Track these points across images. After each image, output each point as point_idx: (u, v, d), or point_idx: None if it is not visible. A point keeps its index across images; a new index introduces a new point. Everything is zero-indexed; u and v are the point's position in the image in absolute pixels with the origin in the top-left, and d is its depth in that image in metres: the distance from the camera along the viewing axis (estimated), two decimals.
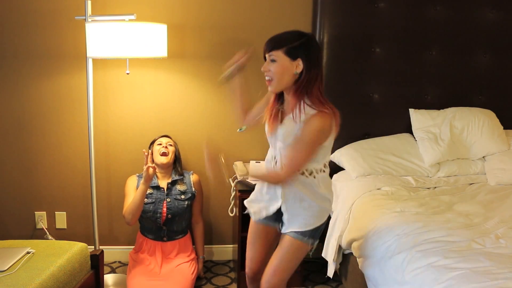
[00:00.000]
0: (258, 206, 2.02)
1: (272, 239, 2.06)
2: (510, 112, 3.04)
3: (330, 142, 1.84)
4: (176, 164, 2.85)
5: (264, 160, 2.92)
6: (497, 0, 2.95)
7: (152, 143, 2.86)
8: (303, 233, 1.89)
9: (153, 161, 2.75)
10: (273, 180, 1.89)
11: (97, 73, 2.85)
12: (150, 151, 2.79)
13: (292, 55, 1.73)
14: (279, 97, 1.89)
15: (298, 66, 1.73)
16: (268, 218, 2.01)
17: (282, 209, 1.93)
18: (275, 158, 1.92)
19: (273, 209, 1.96)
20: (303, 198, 1.88)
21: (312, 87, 1.76)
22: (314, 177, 1.86)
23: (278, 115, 1.87)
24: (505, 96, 3.08)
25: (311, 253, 2.08)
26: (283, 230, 1.95)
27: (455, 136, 2.83)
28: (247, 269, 2.14)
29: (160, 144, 2.80)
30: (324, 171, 1.90)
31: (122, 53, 2.44)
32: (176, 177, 2.81)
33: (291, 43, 1.73)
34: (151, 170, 2.59)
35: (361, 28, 2.91)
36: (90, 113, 2.64)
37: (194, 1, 2.89)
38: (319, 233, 1.95)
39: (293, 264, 1.95)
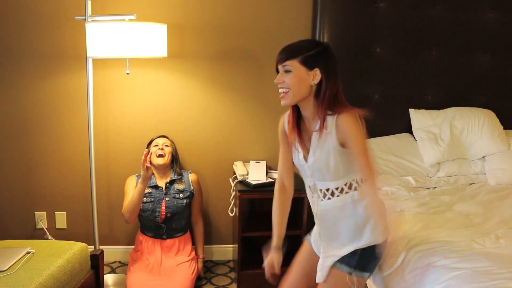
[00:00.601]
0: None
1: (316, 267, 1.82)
2: (510, 112, 3.05)
3: None
4: (174, 164, 2.85)
5: (263, 160, 2.96)
6: (497, 0, 2.96)
7: (150, 143, 2.86)
8: (345, 261, 1.68)
9: (150, 162, 2.76)
10: (376, 199, 1.64)
11: (97, 73, 2.85)
12: (148, 151, 2.79)
13: (309, 64, 1.58)
14: (297, 120, 1.73)
15: (316, 76, 1.59)
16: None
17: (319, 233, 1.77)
18: (314, 186, 1.73)
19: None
20: (341, 218, 1.69)
21: (334, 97, 1.63)
22: (355, 189, 1.66)
23: (304, 138, 1.71)
24: (505, 96, 3.08)
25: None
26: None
27: (455, 136, 2.82)
28: None
29: (157, 146, 2.80)
30: (363, 181, 1.66)
31: (122, 53, 2.44)
32: (175, 177, 2.81)
33: (307, 51, 1.58)
34: (149, 170, 2.60)
35: (361, 28, 2.90)
36: (90, 113, 2.64)
37: (194, 1, 2.89)
38: (370, 261, 1.69)
39: None
